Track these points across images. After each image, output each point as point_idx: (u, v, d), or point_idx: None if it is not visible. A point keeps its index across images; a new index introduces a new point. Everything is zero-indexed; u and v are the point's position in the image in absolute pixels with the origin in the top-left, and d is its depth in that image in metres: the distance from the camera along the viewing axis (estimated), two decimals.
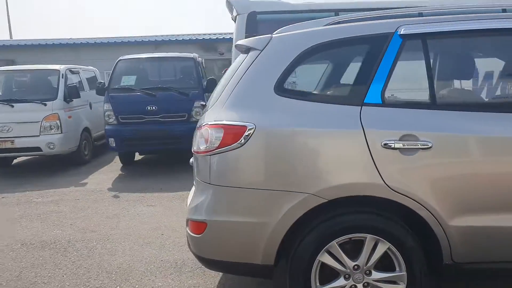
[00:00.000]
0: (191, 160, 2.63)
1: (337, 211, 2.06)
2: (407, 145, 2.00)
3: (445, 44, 2.30)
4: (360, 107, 2.08)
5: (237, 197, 2.12)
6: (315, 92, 2.35)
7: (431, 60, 2.18)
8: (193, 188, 2.71)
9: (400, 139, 2.01)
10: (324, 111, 2.11)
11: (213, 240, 2.19)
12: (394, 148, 2.01)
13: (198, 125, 2.40)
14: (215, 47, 14.63)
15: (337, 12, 8.14)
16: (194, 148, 2.35)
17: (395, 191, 2.01)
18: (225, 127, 2.11)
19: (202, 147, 2.20)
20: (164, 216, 4.41)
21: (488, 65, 2.45)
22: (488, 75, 2.44)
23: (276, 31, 2.35)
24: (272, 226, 2.08)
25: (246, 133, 2.06)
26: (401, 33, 2.13)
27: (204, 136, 2.19)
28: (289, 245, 2.11)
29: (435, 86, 2.13)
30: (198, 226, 2.22)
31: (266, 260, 2.13)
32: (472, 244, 2.05)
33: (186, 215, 2.35)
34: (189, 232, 2.31)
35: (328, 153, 2.06)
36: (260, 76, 2.20)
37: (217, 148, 2.11)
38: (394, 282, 2.11)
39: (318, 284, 2.12)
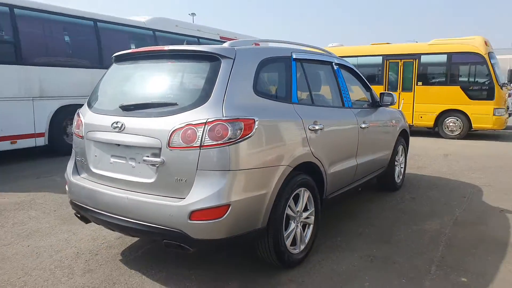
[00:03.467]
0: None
1: (292, 175, 2.98)
2: (317, 127, 3.25)
3: (312, 65, 3.65)
4: (292, 104, 3.11)
5: (251, 176, 2.60)
6: (270, 93, 3.04)
7: (307, 74, 3.48)
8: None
9: (313, 124, 3.23)
10: (280, 107, 2.98)
11: (236, 218, 2.53)
12: (313, 130, 3.20)
13: (182, 124, 2.52)
14: None
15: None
16: (194, 144, 2.49)
17: (314, 156, 3.21)
18: (245, 120, 2.54)
19: (217, 141, 2.47)
20: None
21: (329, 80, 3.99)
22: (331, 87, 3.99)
23: (226, 44, 2.89)
24: (270, 194, 2.73)
25: (255, 124, 2.60)
26: (294, 57, 3.32)
27: (221, 131, 2.47)
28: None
29: (313, 92, 3.47)
30: (219, 210, 2.47)
31: (264, 223, 2.74)
32: (332, 182, 3.58)
33: (190, 208, 2.46)
34: (199, 222, 2.46)
35: (290, 135, 2.96)
36: (242, 80, 2.74)
37: (239, 138, 2.51)
38: (308, 218, 3.28)
39: (284, 231, 2.96)
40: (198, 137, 2.49)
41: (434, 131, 11.07)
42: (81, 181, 3.09)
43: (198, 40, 11.68)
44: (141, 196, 2.66)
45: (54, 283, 2.90)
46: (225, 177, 2.50)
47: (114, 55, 3.35)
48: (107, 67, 8.77)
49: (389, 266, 3.14)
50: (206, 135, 2.48)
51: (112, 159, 2.89)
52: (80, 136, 3.12)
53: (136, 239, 3.67)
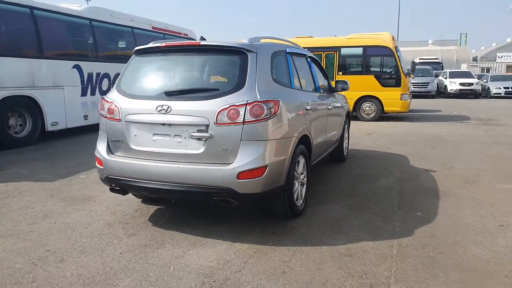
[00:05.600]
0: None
1: (297, 145, 3.81)
2: (309, 108, 4.12)
3: (297, 57, 4.46)
4: (293, 89, 3.95)
5: (278, 145, 3.39)
6: (280, 80, 3.77)
7: (296, 65, 4.32)
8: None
9: (307, 105, 4.10)
10: (288, 91, 3.79)
11: (270, 177, 3.30)
12: (307, 110, 4.07)
13: (226, 105, 3.20)
14: None
15: None
16: (238, 120, 3.18)
17: (308, 130, 4.08)
18: (274, 101, 3.30)
19: (256, 118, 3.20)
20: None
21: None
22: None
23: (246, 40, 3.60)
24: (288, 159, 3.55)
25: (280, 105, 3.39)
26: (287, 51, 4.14)
27: (260, 110, 3.20)
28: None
29: (300, 79, 4.32)
30: (260, 170, 3.23)
31: (283, 181, 3.54)
32: (314, 152, 4.49)
33: (238, 170, 3.17)
34: (245, 180, 3.19)
35: (297, 113, 3.79)
36: (264, 70, 3.49)
37: (272, 115, 3.27)
38: (303, 179, 4.14)
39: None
40: (241, 115, 3.20)
41: (352, 114, 12.69)
42: (120, 158, 3.57)
43: (132, 30, 11.79)
44: (191, 164, 3.29)
45: (109, 244, 3.38)
46: (262, 146, 3.26)
47: (137, 48, 3.82)
48: (46, 57, 8.60)
49: (365, 211, 4.17)
50: (248, 113, 3.20)
51: (155, 137, 3.44)
52: (117, 119, 3.58)
53: (153, 209, 4.21)
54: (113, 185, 3.66)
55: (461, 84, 22.96)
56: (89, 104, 9.92)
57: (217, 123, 3.23)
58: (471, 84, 22.89)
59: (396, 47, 11.88)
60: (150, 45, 3.78)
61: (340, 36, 13.03)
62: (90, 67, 9.89)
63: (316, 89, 4.88)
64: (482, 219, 3.91)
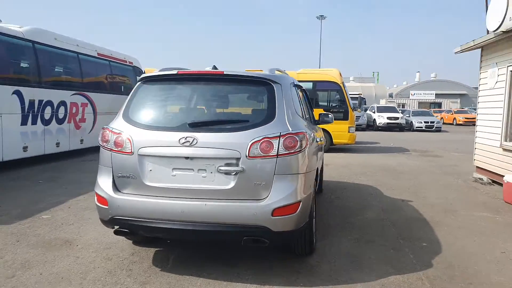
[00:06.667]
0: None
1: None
2: (317, 140, 4.07)
3: (298, 89, 4.40)
4: (306, 121, 3.89)
5: (307, 178, 3.26)
6: (298, 112, 3.64)
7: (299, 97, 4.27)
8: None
9: (315, 137, 4.04)
10: (304, 123, 3.70)
11: (302, 213, 3.14)
12: (317, 142, 4.02)
13: (259, 137, 3.03)
14: None
15: None
16: (271, 153, 3.01)
17: (318, 162, 4.02)
18: (303, 133, 3.19)
19: (289, 150, 3.06)
20: None
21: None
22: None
23: (268, 70, 3.49)
24: (312, 193, 3.44)
25: (307, 136, 3.29)
26: (294, 83, 4.10)
27: (293, 142, 3.07)
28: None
29: (303, 110, 4.27)
30: (294, 206, 3.06)
31: (308, 217, 3.40)
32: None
33: (273, 206, 2.97)
34: (280, 217, 3.00)
35: (314, 146, 3.72)
36: (289, 102, 3.38)
37: (304, 147, 3.16)
38: None
39: None
40: (275, 147, 3.04)
41: None
42: (130, 196, 3.18)
43: (77, 56, 11.08)
44: (219, 201, 3.02)
45: None
46: (295, 180, 3.11)
47: (145, 75, 3.51)
48: None
49: (372, 244, 4.15)
50: (281, 145, 3.05)
51: (175, 172, 3.13)
52: (128, 152, 3.20)
53: (152, 252, 3.78)
54: (120, 227, 3.23)
55: (388, 118, 24.85)
56: (29, 134, 8.97)
57: (249, 156, 3.03)
58: (397, 118, 24.89)
59: (343, 83, 12.53)
60: (161, 72, 3.50)
61: (290, 71, 13.41)
62: (31, 93, 9.00)
63: (311, 120, 4.88)
64: (483, 247, 4.09)
